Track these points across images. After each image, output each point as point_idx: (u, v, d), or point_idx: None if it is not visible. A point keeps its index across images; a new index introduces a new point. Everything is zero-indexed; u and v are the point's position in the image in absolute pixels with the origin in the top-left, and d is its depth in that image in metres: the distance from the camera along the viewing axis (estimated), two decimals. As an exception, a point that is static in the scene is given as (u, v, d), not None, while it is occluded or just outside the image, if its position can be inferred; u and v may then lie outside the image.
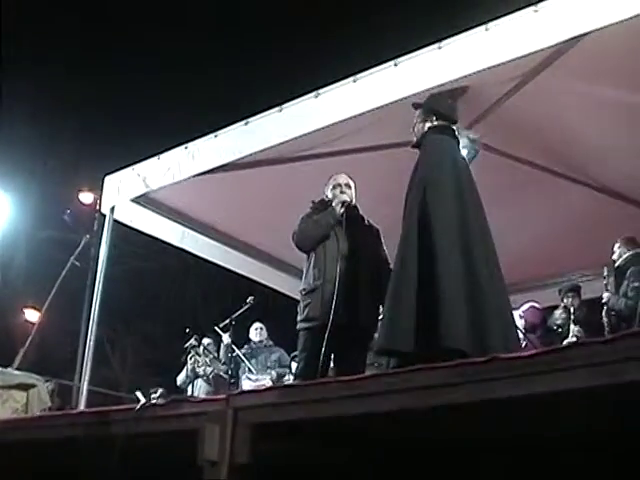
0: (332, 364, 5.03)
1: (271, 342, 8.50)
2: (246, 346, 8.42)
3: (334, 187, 5.32)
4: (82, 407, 6.30)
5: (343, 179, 5.36)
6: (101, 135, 15.49)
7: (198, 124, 6.66)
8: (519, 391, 2.28)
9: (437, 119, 4.67)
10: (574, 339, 6.68)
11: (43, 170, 15.69)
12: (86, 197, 14.51)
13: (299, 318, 5.06)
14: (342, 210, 5.10)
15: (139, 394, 9.70)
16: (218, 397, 3.38)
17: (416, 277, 4.01)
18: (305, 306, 5.00)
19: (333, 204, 5.17)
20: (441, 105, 4.78)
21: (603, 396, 2.17)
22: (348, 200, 5.16)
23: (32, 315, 14.06)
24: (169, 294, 16.64)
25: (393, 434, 2.60)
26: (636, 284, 6.15)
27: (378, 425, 2.63)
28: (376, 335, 5.52)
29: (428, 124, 4.66)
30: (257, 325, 8.54)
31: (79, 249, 6.74)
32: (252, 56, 15.21)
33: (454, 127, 4.76)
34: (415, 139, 4.72)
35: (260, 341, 8.43)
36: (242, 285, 8.59)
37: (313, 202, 5.42)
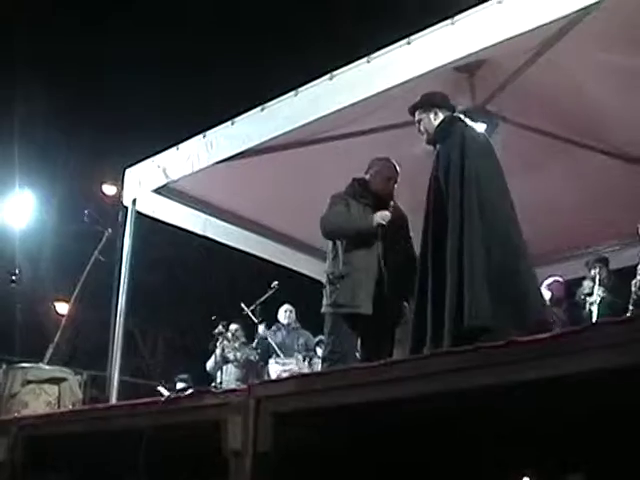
0: (359, 348, 5.04)
1: (298, 325, 8.54)
2: (273, 327, 8.45)
3: (387, 180, 5.22)
4: (114, 398, 6.39)
5: (394, 176, 5.25)
6: (121, 127, 15.53)
7: (215, 112, 6.64)
8: (539, 374, 2.27)
9: (441, 110, 4.65)
10: (598, 298, 6.82)
11: (66, 165, 15.81)
12: (109, 189, 14.60)
13: (326, 302, 5.02)
14: (375, 226, 4.99)
15: (161, 389, 9.88)
16: (240, 388, 3.41)
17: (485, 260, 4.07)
18: (332, 292, 4.95)
19: (374, 220, 5.00)
20: (437, 98, 4.77)
21: (620, 377, 2.15)
22: (385, 223, 5.01)
23: (63, 308, 14.22)
24: (196, 282, 16.74)
25: (415, 420, 2.61)
26: None
27: (401, 411, 2.64)
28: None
29: (435, 118, 4.63)
30: (287, 307, 8.59)
31: (102, 244, 6.79)
32: (266, 42, 15.12)
33: (459, 114, 4.74)
34: (426, 137, 4.67)
35: (288, 324, 8.48)
36: (268, 269, 8.61)
37: (354, 180, 5.30)
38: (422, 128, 4.70)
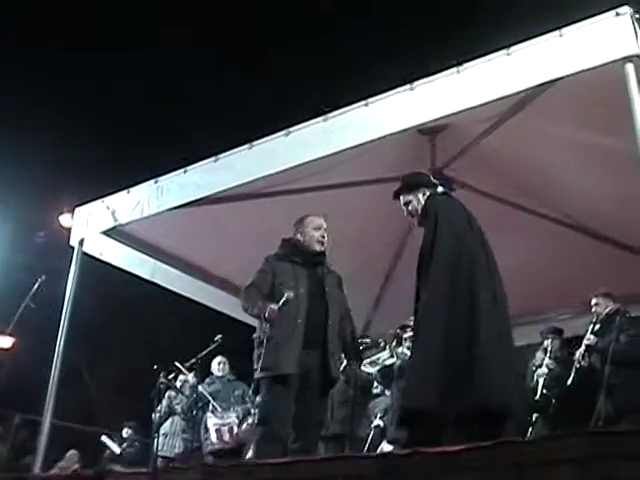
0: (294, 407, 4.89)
1: (233, 376, 8.29)
2: (208, 379, 8.18)
3: (317, 229, 5.11)
4: (42, 445, 6.08)
5: (323, 224, 5.13)
6: (83, 159, 15.31)
7: (171, 158, 6.53)
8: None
9: (428, 189, 4.63)
10: (546, 370, 6.81)
11: (21, 194, 15.46)
12: (66, 220, 14.24)
13: (254, 367, 4.90)
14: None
15: (105, 439, 9.54)
16: (145, 471, 3.25)
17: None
18: (258, 356, 4.83)
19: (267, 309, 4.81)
20: (418, 177, 4.77)
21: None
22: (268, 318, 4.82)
23: (4, 341, 13.77)
24: (152, 323, 16.42)
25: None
26: (632, 332, 6.23)
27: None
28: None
29: (421, 197, 4.61)
30: (220, 359, 8.28)
31: (33, 291, 6.55)
32: (227, 92, 15.16)
33: (443, 189, 4.71)
34: (417, 219, 4.64)
35: (223, 376, 8.23)
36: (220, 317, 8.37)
37: (283, 240, 5.22)
38: (411, 210, 4.65)
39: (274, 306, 4.75)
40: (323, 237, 5.11)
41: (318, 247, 5.08)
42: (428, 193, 4.62)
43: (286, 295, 4.79)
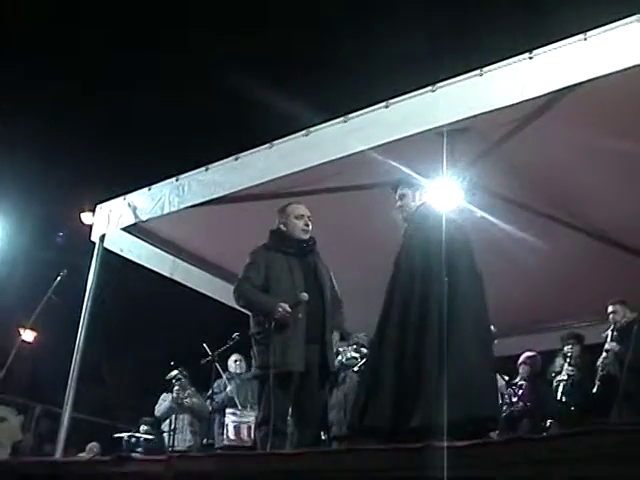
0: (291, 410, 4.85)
1: (250, 376, 8.26)
2: (227, 374, 8.18)
3: (300, 217, 5.02)
4: (63, 436, 6.16)
5: (305, 212, 5.06)
6: (106, 155, 15.40)
7: (191, 157, 6.55)
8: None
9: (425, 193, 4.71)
10: (565, 376, 6.75)
11: (44, 189, 15.60)
12: (88, 217, 14.30)
13: (255, 364, 4.85)
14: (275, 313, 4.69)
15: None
16: (160, 458, 3.26)
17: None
18: (260, 352, 4.74)
19: (275, 309, 4.65)
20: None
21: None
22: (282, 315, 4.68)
23: (29, 336, 13.90)
24: (171, 319, 16.46)
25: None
26: None
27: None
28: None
29: (418, 199, 4.68)
30: (236, 357, 8.24)
31: (55, 284, 6.58)
32: (249, 91, 15.19)
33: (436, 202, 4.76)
34: (403, 213, 4.69)
35: (240, 373, 8.22)
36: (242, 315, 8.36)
37: (271, 231, 5.12)
38: (403, 203, 4.67)
39: (287, 307, 4.66)
40: (307, 225, 5.01)
41: (302, 235, 4.99)
42: (424, 197, 4.69)
43: (301, 296, 4.72)
